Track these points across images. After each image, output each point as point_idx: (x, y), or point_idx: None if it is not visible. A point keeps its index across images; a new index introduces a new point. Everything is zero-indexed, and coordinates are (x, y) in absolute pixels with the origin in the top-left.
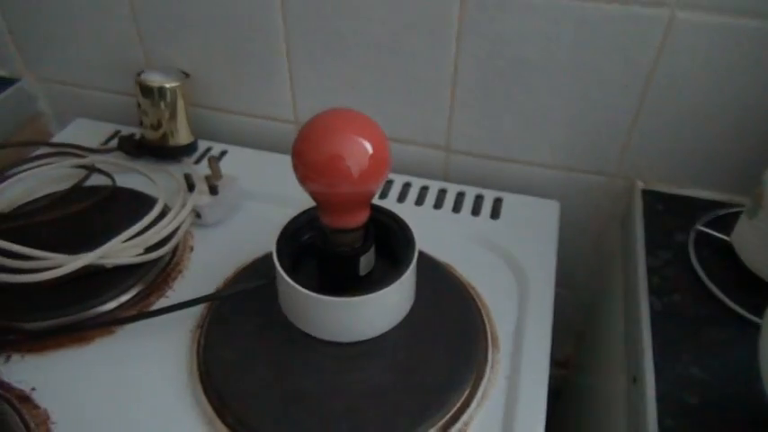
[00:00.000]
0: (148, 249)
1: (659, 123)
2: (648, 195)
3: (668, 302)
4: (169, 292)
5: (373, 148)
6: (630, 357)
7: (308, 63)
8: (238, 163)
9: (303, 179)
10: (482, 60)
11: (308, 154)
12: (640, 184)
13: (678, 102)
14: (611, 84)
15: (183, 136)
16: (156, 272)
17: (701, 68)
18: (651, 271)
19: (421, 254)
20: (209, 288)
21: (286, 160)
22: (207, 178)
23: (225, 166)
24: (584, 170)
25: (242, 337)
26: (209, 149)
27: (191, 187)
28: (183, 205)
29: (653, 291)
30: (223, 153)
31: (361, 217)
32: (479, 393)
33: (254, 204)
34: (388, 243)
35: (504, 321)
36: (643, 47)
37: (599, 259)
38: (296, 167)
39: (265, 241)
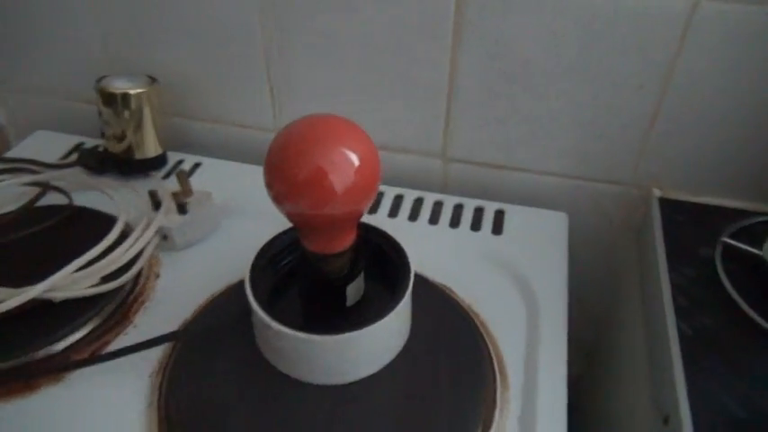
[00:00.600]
0: (106, 278)
1: (678, 126)
2: (666, 205)
3: (698, 327)
4: (130, 328)
5: (360, 160)
6: (658, 390)
7: (290, 65)
8: (213, 176)
9: (278, 198)
10: (483, 60)
11: (284, 168)
12: (657, 193)
13: (699, 103)
14: (624, 85)
15: (150, 148)
16: (115, 304)
17: (725, 66)
18: (676, 289)
19: (416, 276)
20: (176, 321)
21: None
22: (175, 195)
23: (198, 180)
24: (594, 179)
25: (212, 383)
26: (180, 162)
27: (156, 206)
28: (147, 227)
29: (680, 313)
30: (196, 166)
31: (348, 240)
32: None
33: (232, 222)
34: (380, 264)
35: (512, 352)
36: (661, 43)
37: (610, 273)
38: (269, 184)
39: (243, 265)
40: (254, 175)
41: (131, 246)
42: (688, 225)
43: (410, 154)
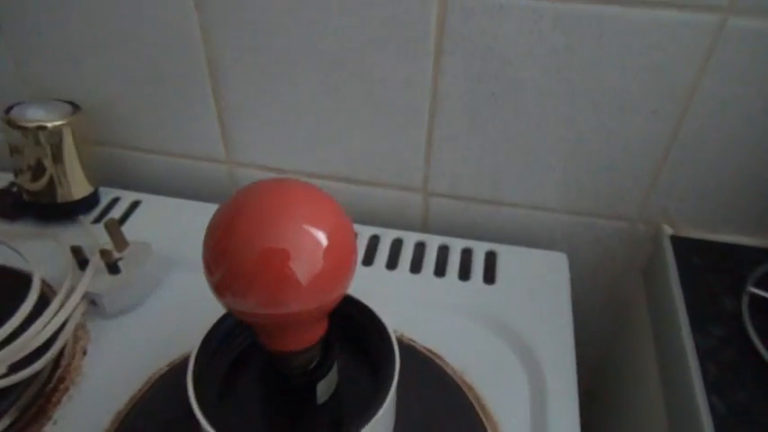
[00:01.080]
0: (15, 366)
1: (695, 157)
2: (680, 244)
3: (734, 404)
4: (48, 426)
5: (330, 238)
6: None
7: (241, 87)
8: (155, 217)
9: (220, 291)
10: (468, 80)
11: (227, 251)
12: (668, 230)
13: (720, 131)
14: (636, 109)
15: (76, 187)
16: (30, 396)
17: (752, 90)
18: (703, 355)
19: (399, 344)
20: (106, 415)
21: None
22: (103, 253)
23: (137, 222)
24: (596, 214)
25: None
26: (115, 201)
27: (82, 263)
28: (70, 293)
29: (711, 386)
30: (135, 205)
31: (317, 333)
32: None
33: (177, 276)
34: (355, 334)
35: None
36: (681, 63)
37: (612, 316)
38: (208, 271)
39: (191, 335)
40: (204, 215)
41: (50, 320)
42: (707, 269)
43: (386, 188)
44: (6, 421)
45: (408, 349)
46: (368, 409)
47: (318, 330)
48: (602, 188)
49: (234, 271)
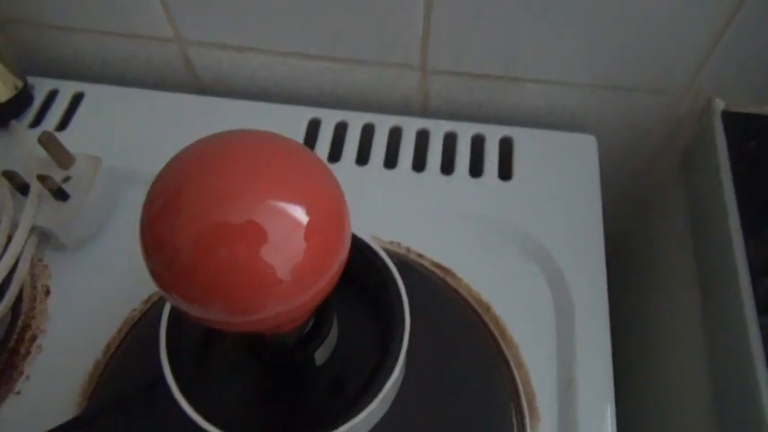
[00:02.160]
0: None
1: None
2: (732, 122)
3: None
4: (21, 383)
5: (313, 212)
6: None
7: None
8: (104, 114)
9: (165, 291)
10: None
11: (171, 236)
12: (720, 105)
13: None
14: None
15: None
16: None
17: None
18: (756, 263)
19: (403, 264)
20: (84, 363)
21: (174, 101)
22: (42, 179)
23: (84, 121)
24: (634, 88)
25: None
26: (53, 96)
27: (21, 189)
28: (13, 226)
29: (763, 303)
30: (78, 99)
31: (306, 315)
32: None
33: (138, 192)
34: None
35: (539, 366)
36: None
37: (638, 206)
38: (147, 258)
39: None
40: (159, 107)
41: None
42: (765, 155)
43: (378, 67)
44: None
45: (415, 267)
46: (374, 379)
47: (308, 312)
48: (646, 58)
49: (181, 266)
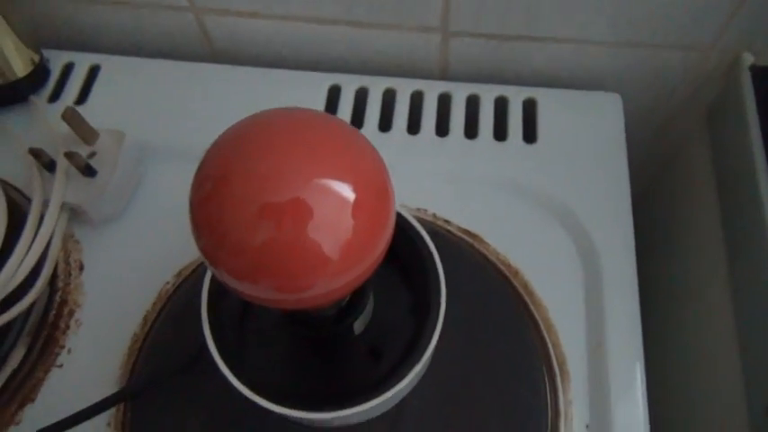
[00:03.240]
0: (6, 301)
1: None
2: (761, 77)
3: None
4: (63, 356)
5: (360, 189)
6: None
7: None
8: (121, 86)
9: (215, 268)
10: None
11: (221, 215)
12: (748, 59)
13: None
14: None
15: (16, 60)
16: (32, 329)
17: None
18: None
19: (434, 233)
20: (123, 336)
21: (191, 71)
22: (69, 156)
23: (102, 95)
24: (660, 44)
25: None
26: (69, 69)
27: (48, 166)
28: (44, 207)
29: None
30: (94, 71)
31: (353, 290)
32: None
33: (162, 166)
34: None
35: (569, 321)
36: None
37: (661, 161)
38: (197, 236)
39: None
40: (175, 76)
41: (31, 242)
42: None
43: (397, 30)
44: (16, 359)
45: (443, 234)
46: (414, 346)
47: (356, 288)
48: (673, 13)
49: (230, 246)
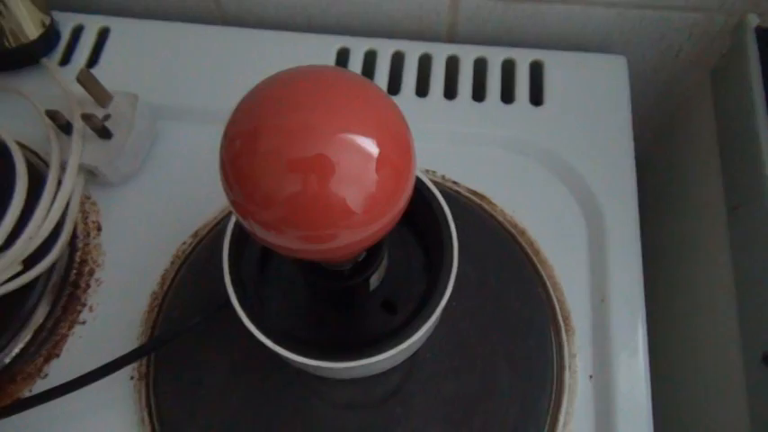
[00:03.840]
0: (28, 260)
1: None
2: (766, 38)
3: None
4: (85, 314)
5: (383, 144)
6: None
7: None
8: (132, 49)
9: (245, 219)
10: None
11: (251, 170)
12: (754, 20)
13: None
14: None
15: (27, 22)
16: (55, 289)
17: None
18: None
19: (443, 194)
20: (142, 295)
21: (200, 33)
22: (86, 118)
23: (114, 58)
24: (667, 6)
25: (212, 388)
26: (78, 32)
27: (63, 128)
28: (62, 168)
29: None
30: (104, 34)
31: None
32: (561, 420)
33: (175, 126)
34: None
35: (574, 278)
36: None
37: (664, 120)
38: (229, 189)
39: (211, 191)
40: (186, 39)
41: (51, 203)
42: None
43: None
44: (40, 317)
45: (452, 194)
46: (428, 301)
47: (377, 241)
48: None
49: (260, 198)
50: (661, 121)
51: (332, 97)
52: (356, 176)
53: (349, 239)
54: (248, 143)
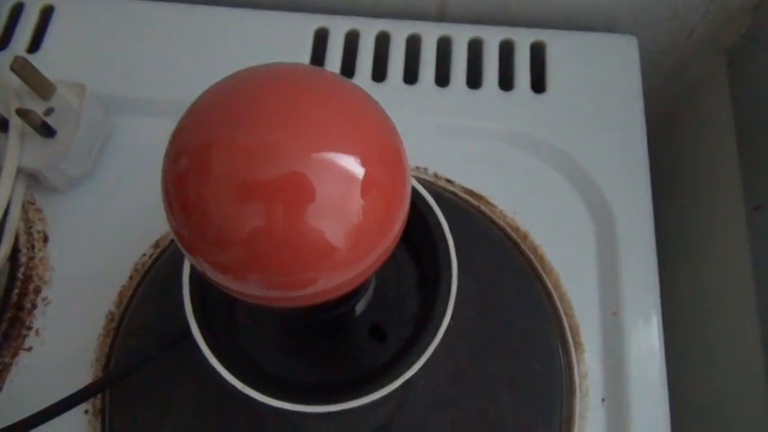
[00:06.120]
0: None
1: None
2: None
3: None
4: (31, 339)
5: (369, 163)
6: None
7: None
8: (80, 31)
9: (194, 257)
10: None
11: (202, 195)
12: None
13: None
14: None
15: None
16: None
17: None
18: None
19: (435, 195)
20: (96, 316)
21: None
22: (22, 113)
23: (59, 42)
24: None
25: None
26: (18, 11)
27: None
28: None
29: None
30: (47, 12)
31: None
32: None
33: (130, 120)
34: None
35: (582, 289)
36: None
37: (676, 105)
38: (172, 217)
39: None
40: (141, 20)
41: None
42: None
43: None
44: None
45: (445, 196)
46: (423, 327)
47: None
48: None
49: (212, 232)
50: (668, 107)
51: (305, 104)
52: (337, 203)
53: (330, 283)
54: (198, 162)
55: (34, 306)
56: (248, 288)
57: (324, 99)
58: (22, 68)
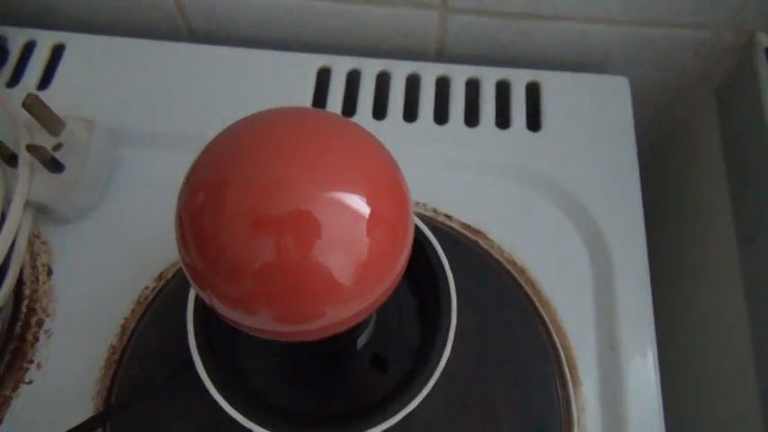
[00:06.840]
0: None
1: None
2: None
3: None
4: (33, 372)
5: (375, 203)
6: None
7: None
8: (90, 68)
9: (204, 293)
10: None
11: (214, 232)
12: (764, 41)
13: None
14: None
15: None
16: None
17: None
18: None
19: (435, 230)
20: (99, 349)
21: (166, 51)
22: (32, 149)
23: (69, 79)
24: (672, 23)
25: None
26: (30, 49)
27: (9, 160)
28: (5, 204)
29: None
30: (58, 51)
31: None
32: None
33: (137, 153)
34: None
35: (579, 322)
36: None
37: (666, 142)
38: (186, 253)
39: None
40: (150, 58)
41: None
42: None
43: (392, 6)
44: None
45: (445, 231)
46: (424, 360)
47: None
48: None
49: (224, 266)
50: (661, 141)
51: (314, 146)
52: (344, 240)
53: (336, 317)
54: (213, 197)
55: (36, 339)
56: (256, 322)
57: (333, 138)
58: (34, 105)
